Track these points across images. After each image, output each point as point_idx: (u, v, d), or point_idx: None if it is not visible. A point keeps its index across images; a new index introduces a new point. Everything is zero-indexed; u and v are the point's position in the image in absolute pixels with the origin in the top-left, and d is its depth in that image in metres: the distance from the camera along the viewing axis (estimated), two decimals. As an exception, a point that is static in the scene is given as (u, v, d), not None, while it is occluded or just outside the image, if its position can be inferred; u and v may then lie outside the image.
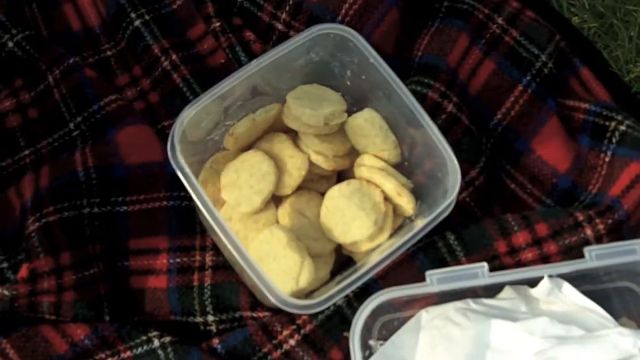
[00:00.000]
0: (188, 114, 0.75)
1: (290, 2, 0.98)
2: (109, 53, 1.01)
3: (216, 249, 0.87)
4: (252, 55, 0.97)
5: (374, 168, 0.82)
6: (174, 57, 0.97)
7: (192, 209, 0.89)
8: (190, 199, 0.88)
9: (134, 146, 0.90)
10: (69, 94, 0.95)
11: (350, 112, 0.86)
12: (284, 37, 0.98)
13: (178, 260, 0.87)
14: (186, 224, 0.88)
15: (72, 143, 0.93)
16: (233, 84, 0.78)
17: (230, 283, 0.85)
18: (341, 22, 0.95)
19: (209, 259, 0.87)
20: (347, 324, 0.80)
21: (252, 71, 0.79)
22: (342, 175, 0.89)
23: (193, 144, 0.81)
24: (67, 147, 0.92)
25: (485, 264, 0.74)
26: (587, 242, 0.82)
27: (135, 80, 0.99)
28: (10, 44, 0.96)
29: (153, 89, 0.97)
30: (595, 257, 0.74)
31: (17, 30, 0.97)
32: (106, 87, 0.96)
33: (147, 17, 1.00)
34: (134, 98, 0.98)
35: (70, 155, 0.89)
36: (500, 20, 0.97)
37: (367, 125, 0.83)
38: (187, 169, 0.72)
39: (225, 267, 0.87)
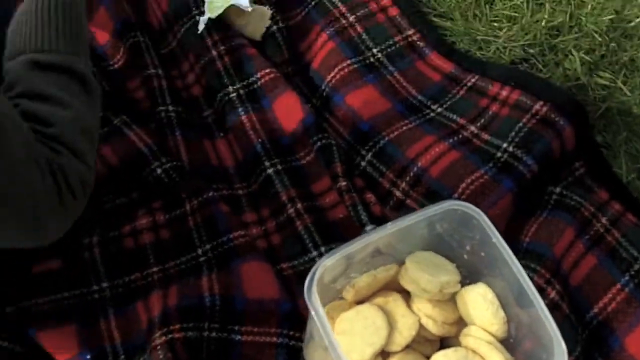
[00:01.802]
0: (327, 262, 0.82)
1: (411, 173, 1.07)
2: (240, 192, 1.11)
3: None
4: (371, 216, 1.05)
5: (482, 340, 0.87)
6: (299, 205, 1.06)
7: (299, 349, 0.94)
8: (298, 339, 0.94)
9: (255, 281, 0.98)
10: (202, 223, 1.04)
11: (462, 283, 0.92)
12: (400, 203, 1.07)
13: (280, 395, 0.92)
14: (291, 362, 0.94)
15: (198, 268, 1.01)
16: (365, 243, 0.85)
17: None
18: (457, 199, 1.03)
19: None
20: None
21: (382, 235, 0.86)
22: (444, 341, 0.94)
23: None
24: (193, 271, 1.00)
25: None
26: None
27: (262, 220, 1.08)
28: (159, 171, 1.07)
29: (277, 232, 1.06)
30: None
31: (165, 159, 1.08)
32: (236, 222, 1.05)
33: (279, 167, 1.10)
34: (258, 236, 1.06)
35: (197, 279, 0.97)
36: (604, 220, 1.04)
37: (480, 299, 0.88)
38: (322, 311, 0.79)
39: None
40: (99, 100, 0.85)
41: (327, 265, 0.81)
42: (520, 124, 1.09)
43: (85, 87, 0.81)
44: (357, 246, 0.84)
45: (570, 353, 0.93)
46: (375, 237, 0.86)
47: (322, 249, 1.03)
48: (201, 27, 1.21)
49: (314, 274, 0.80)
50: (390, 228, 0.86)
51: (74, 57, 0.80)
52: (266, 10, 1.23)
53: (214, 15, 1.20)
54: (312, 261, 1.02)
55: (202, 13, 1.23)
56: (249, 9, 1.20)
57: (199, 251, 1.02)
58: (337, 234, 1.04)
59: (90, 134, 0.82)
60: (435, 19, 1.28)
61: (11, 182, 0.71)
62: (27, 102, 0.76)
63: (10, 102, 0.76)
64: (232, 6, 1.21)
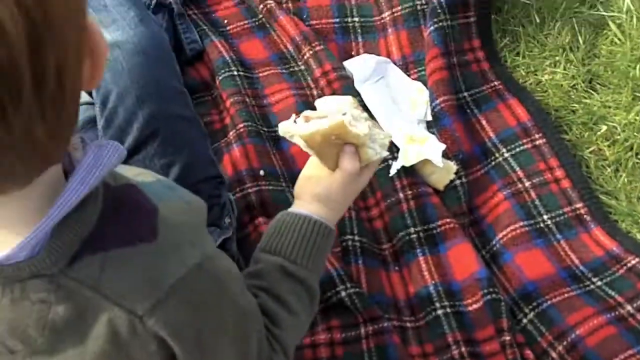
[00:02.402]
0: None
1: (569, 339, 1.18)
2: (408, 325, 1.25)
3: None
4: (526, 366, 1.17)
5: None
6: (463, 349, 1.19)
7: None
8: None
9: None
10: (375, 348, 1.18)
11: None
12: (554, 364, 1.18)
13: None
14: None
15: (368, 389, 1.15)
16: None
17: None
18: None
19: None
20: None
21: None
22: None
23: None
24: (364, 392, 1.14)
25: None
26: None
27: (426, 355, 1.21)
28: (343, 294, 1.22)
29: (439, 369, 1.19)
30: None
31: (350, 284, 1.23)
32: (405, 354, 1.18)
33: (448, 310, 1.23)
34: (424, 371, 1.19)
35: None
36: None
37: None
38: None
39: None
40: (316, 311, 1.01)
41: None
42: (677, 314, 1.19)
43: (312, 301, 0.97)
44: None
45: None
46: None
47: (480, 392, 1.14)
48: (393, 171, 1.38)
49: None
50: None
51: (313, 275, 0.96)
52: (452, 166, 1.39)
53: (407, 164, 1.37)
54: (470, 401, 1.14)
55: (395, 159, 1.40)
56: (440, 165, 1.36)
57: (370, 376, 1.16)
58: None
59: (301, 337, 0.98)
60: (601, 196, 1.40)
61: None
62: (267, 298, 0.92)
63: (251, 289, 0.91)
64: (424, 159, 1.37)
